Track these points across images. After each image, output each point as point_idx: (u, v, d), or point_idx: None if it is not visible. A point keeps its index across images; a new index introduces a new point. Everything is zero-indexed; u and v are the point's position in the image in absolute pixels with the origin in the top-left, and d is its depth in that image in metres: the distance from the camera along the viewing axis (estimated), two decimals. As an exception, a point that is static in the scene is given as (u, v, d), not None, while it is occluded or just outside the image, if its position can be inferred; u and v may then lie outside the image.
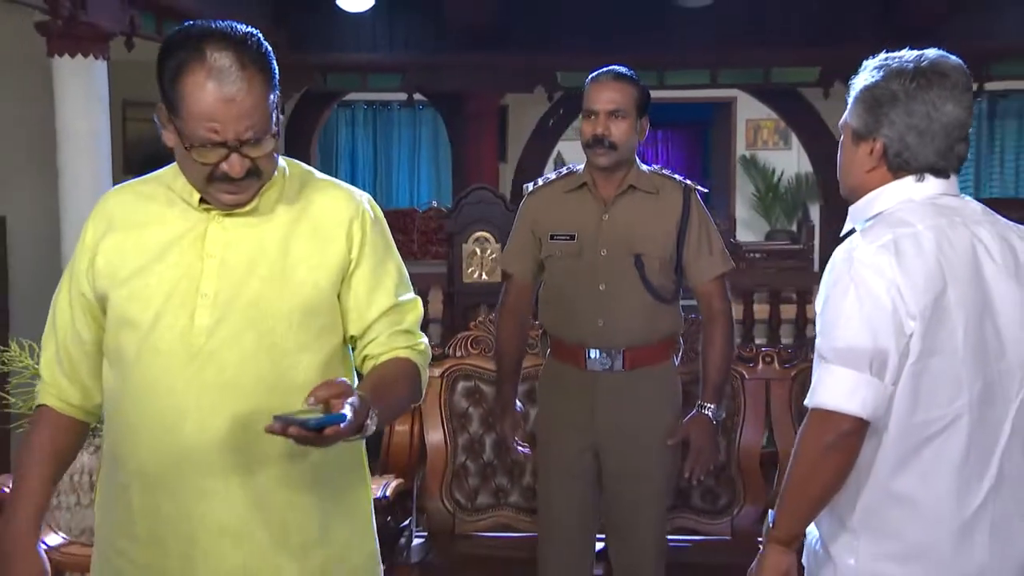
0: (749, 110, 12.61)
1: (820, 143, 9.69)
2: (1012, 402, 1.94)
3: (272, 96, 1.76)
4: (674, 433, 3.09)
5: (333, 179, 1.98)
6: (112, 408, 1.88)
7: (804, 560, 2.13)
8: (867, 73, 2.06)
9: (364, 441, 1.88)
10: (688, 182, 3.16)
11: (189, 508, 1.80)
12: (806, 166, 11.45)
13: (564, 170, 3.24)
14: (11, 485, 1.98)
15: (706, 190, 3.25)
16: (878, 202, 2.04)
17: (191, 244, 1.82)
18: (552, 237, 3.09)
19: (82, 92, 5.65)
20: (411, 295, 1.98)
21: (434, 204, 12.29)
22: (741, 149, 13.15)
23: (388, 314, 1.92)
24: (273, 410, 1.66)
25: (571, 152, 11.92)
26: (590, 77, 3.09)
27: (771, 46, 8.41)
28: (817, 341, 1.97)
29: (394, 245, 2.00)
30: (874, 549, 1.97)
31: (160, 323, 1.80)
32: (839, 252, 1.98)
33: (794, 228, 12.95)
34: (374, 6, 8.27)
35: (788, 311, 7.97)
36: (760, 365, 3.71)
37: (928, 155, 2.02)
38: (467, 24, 8.31)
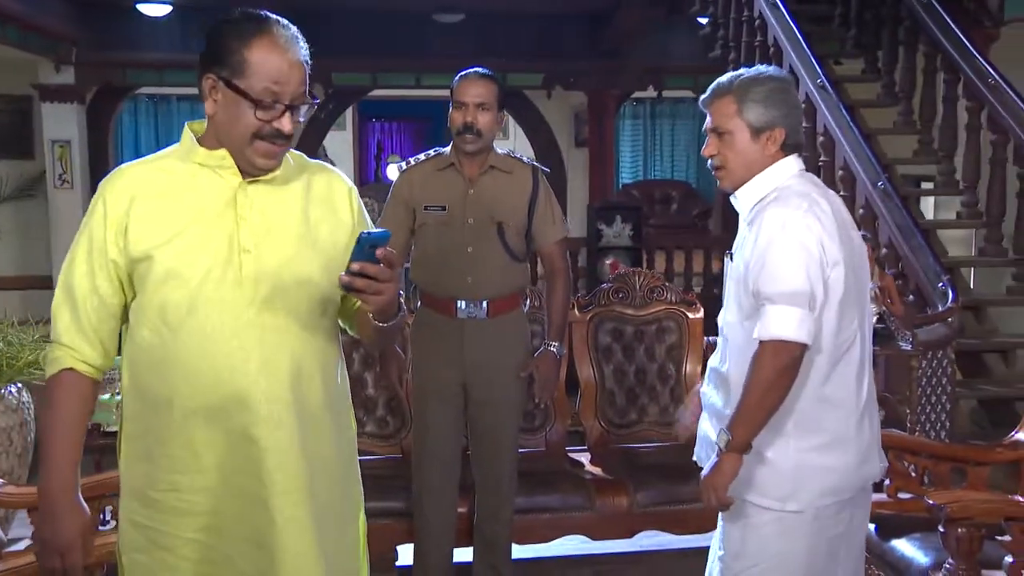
0: (475, 108, 12.75)
1: (540, 134, 10.04)
2: (866, 321, 2.18)
3: None
4: (526, 367, 3.16)
5: (320, 161, 1.96)
6: (158, 358, 1.75)
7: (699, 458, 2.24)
8: (744, 85, 2.17)
9: None
10: (535, 163, 3.20)
11: (255, 433, 1.73)
12: (519, 152, 11.74)
13: (432, 152, 3.20)
14: (43, 445, 1.80)
15: (548, 170, 3.29)
16: (772, 179, 2.17)
17: (225, 207, 1.76)
18: (426, 208, 3.09)
19: None
20: None
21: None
22: (469, 140, 13.28)
23: None
24: (314, 349, 1.80)
25: (332, 142, 11.65)
26: (460, 75, 3.07)
27: (507, 56, 8.57)
28: (761, 289, 2.06)
29: None
30: (803, 444, 2.12)
31: (211, 276, 1.73)
32: (772, 222, 2.07)
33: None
34: (171, 9, 7.79)
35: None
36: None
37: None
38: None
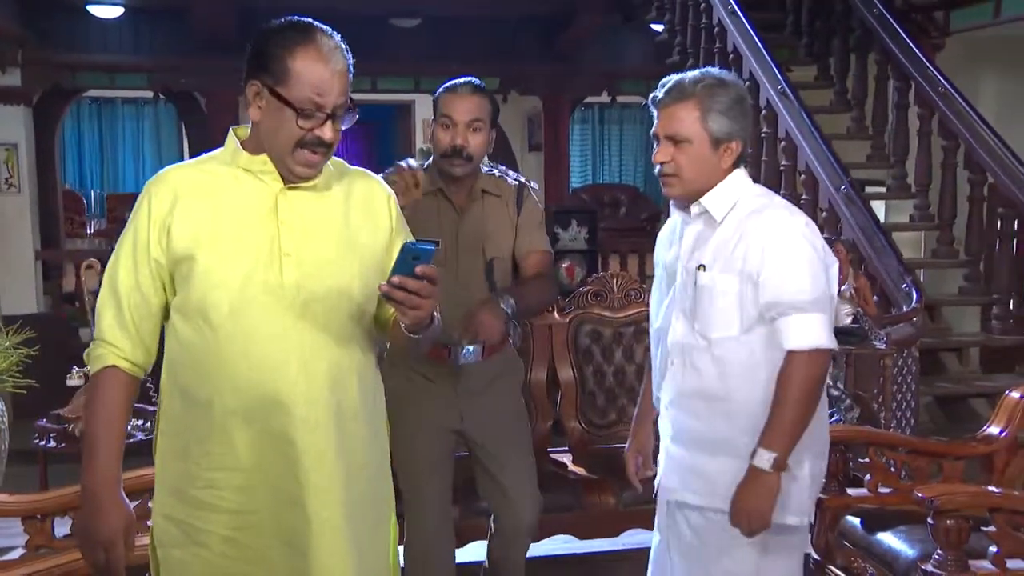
0: (426, 111, 12.73)
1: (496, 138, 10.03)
2: None
3: None
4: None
5: (361, 168, 1.97)
6: (199, 356, 1.76)
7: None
8: (709, 92, 2.09)
9: None
10: (521, 180, 2.81)
11: (292, 435, 1.74)
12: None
13: (421, 165, 2.70)
14: (87, 441, 1.78)
15: (536, 186, 2.89)
16: (733, 190, 2.15)
17: (267, 212, 1.77)
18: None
19: None
20: None
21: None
22: (420, 143, 13.27)
23: None
24: (351, 353, 1.81)
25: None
26: (448, 86, 2.66)
27: (463, 61, 8.56)
28: (781, 299, 2.02)
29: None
30: (812, 453, 2.11)
31: (253, 279, 1.73)
32: (775, 230, 2.04)
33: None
34: (123, 12, 7.65)
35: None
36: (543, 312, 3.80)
37: (748, 149, 2.22)
38: (210, 31, 7.83)
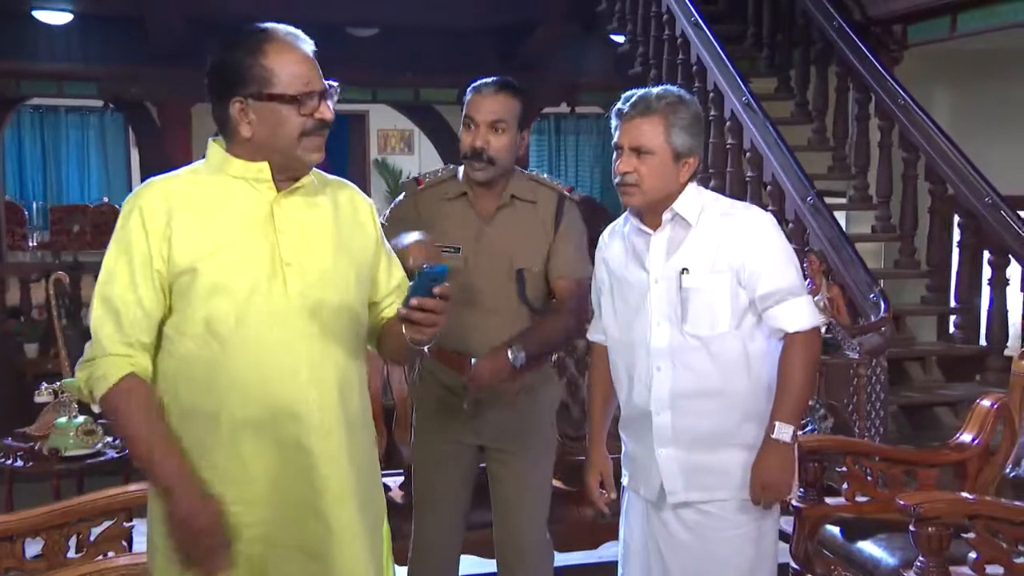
0: (380, 121, 12.72)
1: (452, 150, 10.03)
2: None
3: None
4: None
5: (338, 178, 1.97)
6: (204, 371, 1.74)
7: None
8: (672, 107, 2.18)
9: None
10: (564, 189, 2.66)
11: (307, 442, 1.75)
12: (425, 167, 11.77)
13: (442, 170, 2.70)
14: (141, 447, 1.75)
15: (578, 197, 2.71)
16: (696, 198, 2.25)
17: (263, 221, 1.77)
18: (435, 246, 2.44)
19: None
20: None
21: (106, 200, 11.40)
22: (374, 154, 13.23)
23: (400, 286, 1.97)
24: (354, 359, 1.84)
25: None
26: (474, 86, 2.56)
27: (420, 70, 8.60)
28: (776, 287, 2.18)
29: None
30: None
31: (258, 288, 1.74)
32: (754, 223, 2.21)
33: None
34: (72, 18, 7.52)
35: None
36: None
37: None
38: (162, 40, 7.74)
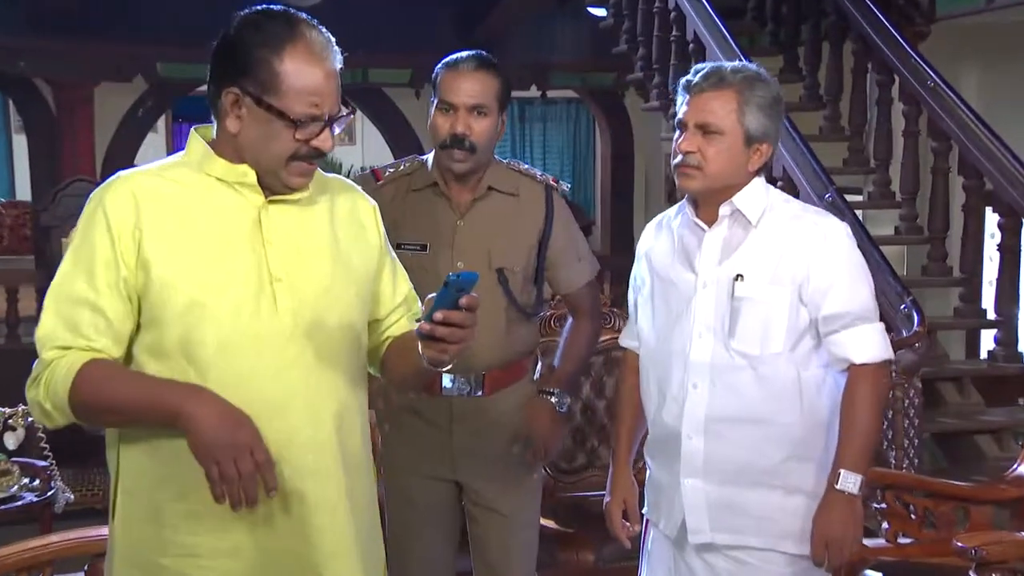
0: (321, 105, 12.61)
1: (402, 140, 10.02)
2: None
3: None
4: (519, 436, 2.67)
5: (337, 176, 1.96)
6: None
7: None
8: (749, 83, 2.18)
9: None
10: (549, 179, 2.73)
11: (301, 487, 1.71)
12: (370, 159, 11.71)
13: (406, 162, 2.72)
14: (126, 395, 1.68)
15: (567, 187, 2.80)
16: (762, 194, 2.24)
17: (249, 231, 1.73)
18: (400, 245, 2.40)
19: None
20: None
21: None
22: (313, 140, 13.11)
23: (407, 300, 1.96)
24: (355, 388, 1.81)
25: (144, 150, 11.17)
26: (447, 62, 2.57)
27: (371, 48, 8.52)
28: (846, 309, 2.15)
29: None
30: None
31: (243, 309, 1.70)
32: (826, 232, 2.18)
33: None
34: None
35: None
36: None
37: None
38: (57, 10, 7.60)
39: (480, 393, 2.65)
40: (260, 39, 1.68)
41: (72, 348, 1.67)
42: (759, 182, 2.25)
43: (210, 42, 1.76)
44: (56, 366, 1.66)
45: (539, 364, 2.86)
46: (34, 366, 1.69)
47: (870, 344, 2.16)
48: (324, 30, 1.75)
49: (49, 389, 1.66)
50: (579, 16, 8.20)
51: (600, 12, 7.44)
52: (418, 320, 1.66)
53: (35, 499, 3.62)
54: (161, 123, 12.49)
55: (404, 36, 8.64)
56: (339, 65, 1.75)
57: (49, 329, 1.68)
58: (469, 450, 2.67)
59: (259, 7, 1.74)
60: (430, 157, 2.67)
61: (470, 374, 2.62)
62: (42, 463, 3.25)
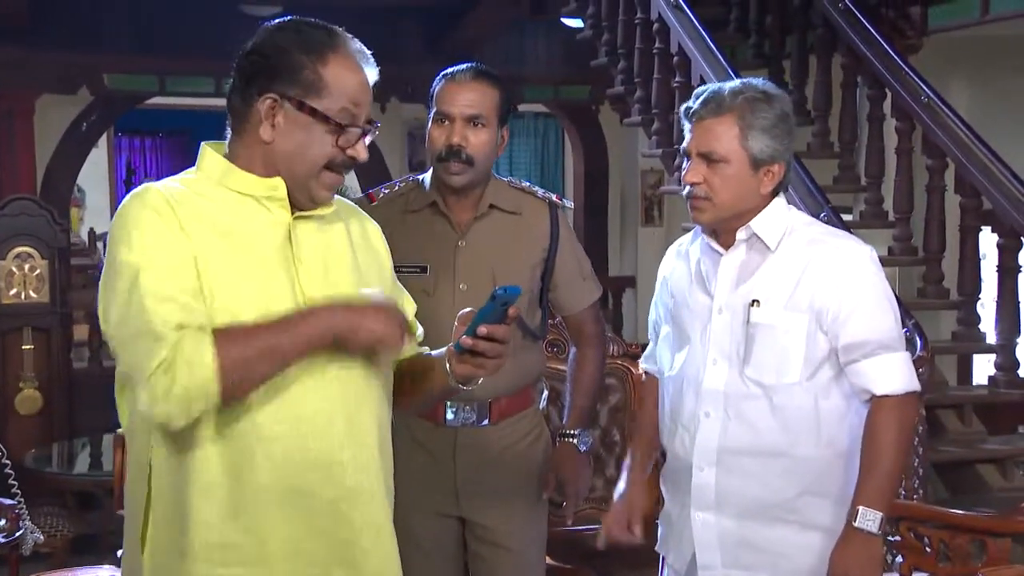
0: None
1: (372, 160, 9.96)
2: None
3: None
4: (546, 481, 2.75)
5: (341, 198, 1.98)
6: (220, 426, 1.68)
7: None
8: (751, 105, 2.20)
9: None
10: (552, 197, 2.77)
11: (344, 509, 1.73)
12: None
13: (400, 182, 2.77)
14: (278, 343, 1.70)
15: (571, 205, 2.90)
16: (782, 216, 2.25)
17: (280, 249, 1.76)
18: (398, 268, 2.35)
19: None
20: None
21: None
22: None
23: (414, 322, 2.01)
24: (387, 407, 1.88)
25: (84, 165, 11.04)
26: (445, 73, 2.66)
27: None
28: (868, 338, 2.15)
29: None
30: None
31: None
32: (848, 256, 2.19)
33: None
34: None
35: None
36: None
37: (791, 174, 2.32)
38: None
39: (486, 422, 2.67)
40: (302, 44, 1.77)
41: (184, 330, 1.64)
42: (779, 203, 2.26)
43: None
44: (182, 343, 1.62)
45: (544, 392, 2.88)
46: (153, 359, 1.63)
47: (893, 374, 2.17)
48: (359, 42, 1.85)
49: (186, 385, 1.62)
50: (553, 27, 8.25)
51: (576, 23, 7.47)
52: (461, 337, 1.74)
53: (2, 540, 3.53)
54: (104, 138, 12.35)
55: (371, 47, 8.60)
56: (375, 77, 1.84)
57: (160, 316, 1.64)
58: (474, 484, 2.69)
59: (298, 19, 1.82)
60: (427, 176, 2.71)
61: (474, 402, 2.64)
62: (9, 501, 3.17)
